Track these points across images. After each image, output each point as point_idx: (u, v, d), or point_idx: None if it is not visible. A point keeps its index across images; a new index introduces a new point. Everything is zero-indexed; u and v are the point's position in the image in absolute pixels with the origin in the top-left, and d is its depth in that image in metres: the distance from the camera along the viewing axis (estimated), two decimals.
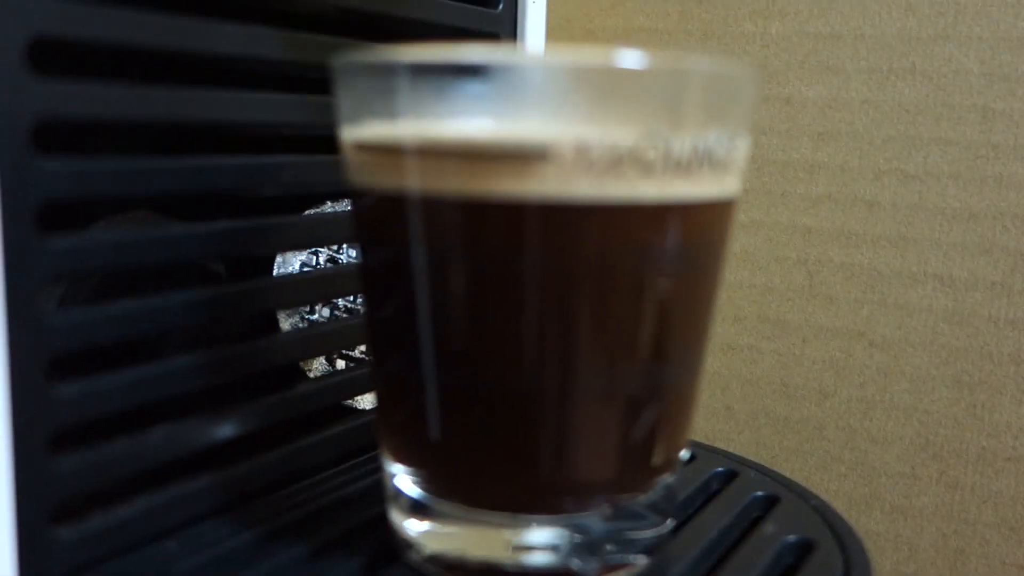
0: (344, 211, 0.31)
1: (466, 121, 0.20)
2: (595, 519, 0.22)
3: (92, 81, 0.21)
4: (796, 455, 0.44)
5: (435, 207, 0.20)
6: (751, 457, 0.31)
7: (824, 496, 0.28)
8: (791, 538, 0.25)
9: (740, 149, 0.21)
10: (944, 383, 0.41)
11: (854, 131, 0.42)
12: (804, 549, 0.25)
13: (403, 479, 0.23)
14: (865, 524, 0.43)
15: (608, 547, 0.22)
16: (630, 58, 0.19)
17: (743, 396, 0.45)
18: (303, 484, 0.28)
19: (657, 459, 0.22)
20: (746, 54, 0.43)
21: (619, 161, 0.19)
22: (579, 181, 0.19)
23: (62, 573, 0.21)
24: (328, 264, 0.32)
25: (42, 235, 0.20)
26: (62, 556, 0.21)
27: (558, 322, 0.20)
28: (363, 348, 0.33)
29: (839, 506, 0.28)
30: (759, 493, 0.28)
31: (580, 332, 0.20)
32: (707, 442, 0.32)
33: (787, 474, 0.30)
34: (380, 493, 0.27)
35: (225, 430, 0.26)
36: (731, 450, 0.32)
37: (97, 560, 0.22)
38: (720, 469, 0.30)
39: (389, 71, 0.20)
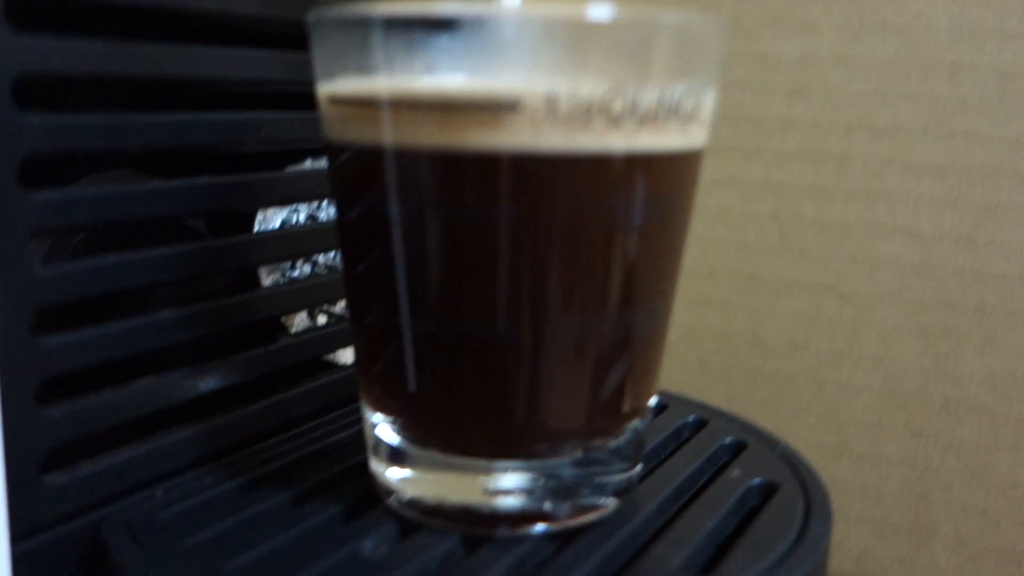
0: (321, 169, 0.32)
1: (439, 74, 0.20)
2: (567, 464, 0.23)
3: (72, 36, 0.21)
4: (768, 406, 0.45)
5: (409, 160, 0.21)
6: (724, 408, 0.32)
7: (795, 445, 0.29)
8: (756, 481, 0.26)
9: (708, 101, 0.22)
10: (911, 335, 0.42)
11: (826, 87, 0.42)
12: (768, 492, 0.25)
13: (383, 428, 0.24)
14: (834, 472, 0.44)
15: (579, 490, 0.23)
16: (598, 11, 0.19)
17: (716, 349, 0.46)
18: (285, 435, 0.28)
19: (626, 405, 0.23)
20: (720, 9, 0.44)
21: (587, 113, 0.19)
22: (549, 132, 0.19)
23: (51, 520, 0.22)
24: (308, 222, 0.32)
25: (25, 189, 0.21)
26: (51, 503, 0.22)
27: (529, 272, 0.21)
28: (343, 304, 0.34)
29: (809, 455, 0.28)
30: (727, 440, 0.29)
31: (551, 282, 0.21)
32: (679, 392, 0.33)
33: (758, 424, 0.31)
34: (360, 443, 0.27)
35: (208, 383, 0.26)
36: (704, 401, 0.33)
37: (85, 508, 0.23)
38: (691, 418, 0.31)
39: (363, 26, 0.20)
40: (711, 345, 0.46)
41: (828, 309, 0.44)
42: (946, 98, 0.40)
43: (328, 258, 0.33)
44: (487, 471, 0.22)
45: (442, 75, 0.20)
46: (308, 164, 0.32)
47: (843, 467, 0.44)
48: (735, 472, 0.26)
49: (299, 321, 0.32)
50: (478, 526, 0.22)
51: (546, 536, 0.22)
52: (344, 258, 0.24)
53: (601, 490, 0.23)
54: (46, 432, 0.22)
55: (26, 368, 0.21)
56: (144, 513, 0.23)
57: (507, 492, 0.22)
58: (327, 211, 0.33)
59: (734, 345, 0.46)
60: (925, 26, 0.40)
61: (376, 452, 0.24)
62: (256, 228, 0.31)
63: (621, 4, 0.20)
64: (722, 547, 0.23)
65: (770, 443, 0.29)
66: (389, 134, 0.21)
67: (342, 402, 0.31)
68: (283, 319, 0.32)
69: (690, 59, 0.21)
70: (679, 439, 0.30)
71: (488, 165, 0.20)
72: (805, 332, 0.44)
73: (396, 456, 0.23)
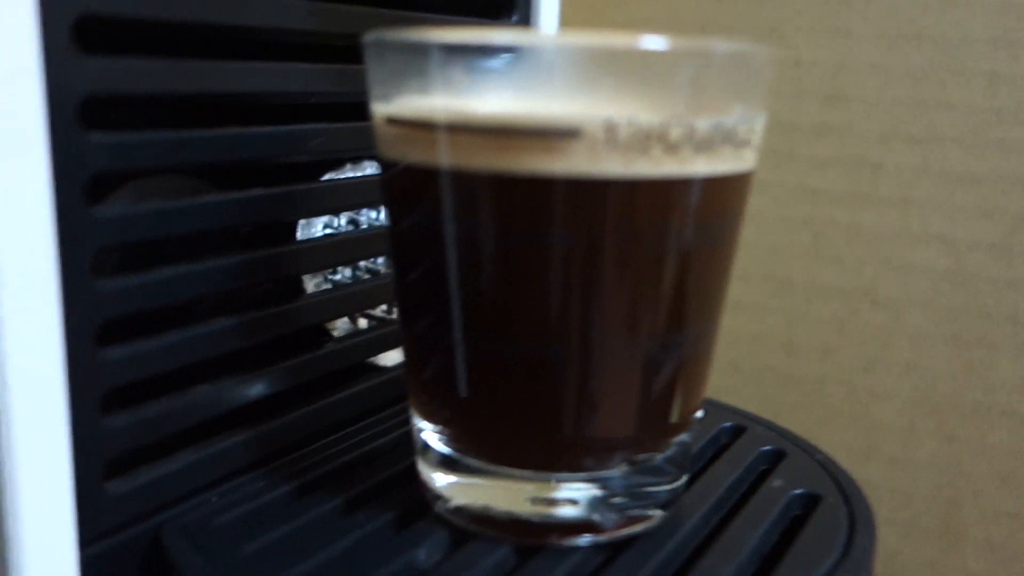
0: (365, 176, 0.32)
1: (496, 99, 0.21)
2: (615, 475, 0.23)
3: (133, 56, 0.22)
4: (799, 409, 0.46)
5: (466, 182, 0.21)
6: (755, 411, 0.33)
7: (825, 449, 0.29)
8: (798, 491, 0.26)
9: (758, 126, 0.22)
10: (943, 341, 0.42)
11: (861, 94, 0.42)
12: (811, 502, 0.26)
13: (431, 435, 0.24)
14: (864, 475, 0.44)
15: (627, 502, 0.23)
16: (654, 41, 0.20)
17: (749, 352, 0.47)
18: (332, 439, 0.29)
19: (674, 419, 0.23)
20: (759, 16, 0.44)
21: (645, 140, 0.20)
22: (607, 159, 0.20)
23: (115, 525, 0.23)
24: (349, 225, 0.33)
25: (91, 206, 0.21)
26: (114, 509, 0.23)
27: (583, 292, 0.21)
28: (384, 308, 0.34)
29: (839, 458, 0.29)
30: (766, 447, 0.29)
31: (604, 302, 0.21)
32: (713, 396, 0.34)
33: (790, 428, 0.31)
34: (405, 445, 0.28)
35: (258, 389, 0.27)
36: (736, 404, 0.33)
37: (145, 513, 0.23)
38: (728, 424, 0.31)
39: (423, 50, 0.21)
40: (744, 348, 0.47)
41: (861, 314, 0.44)
42: (982, 107, 0.40)
43: (369, 262, 0.33)
44: (535, 480, 0.23)
45: (499, 100, 0.21)
46: (348, 170, 0.33)
47: (873, 470, 0.44)
48: (776, 482, 0.27)
49: (341, 324, 0.33)
50: (526, 536, 0.23)
51: (593, 547, 0.23)
52: (396, 269, 0.24)
53: (648, 500, 0.24)
54: (110, 441, 0.22)
55: (91, 379, 0.22)
56: (201, 519, 0.24)
57: (555, 503, 0.23)
58: (367, 215, 0.33)
59: (766, 348, 0.46)
60: (962, 35, 0.40)
61: (424, 457, 0.25)
62: (299, 233, 0.32)
63: (673, 31, 0.20)
64: (767, 559, 0.23)
65: (808, 451, 0.29)
66: (446, 156, 0.21)
67: (386, 404, 0.32)
68: (326, 323, 0.32)
69: (743, 86, 0.21)
70: (717, 445, 0.30)
71: (544, 189, 0.20)
72: (837, 337, 0.44)
73: (444, 463, 0.24)
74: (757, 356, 0.46)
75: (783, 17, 0.44)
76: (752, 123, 0.22)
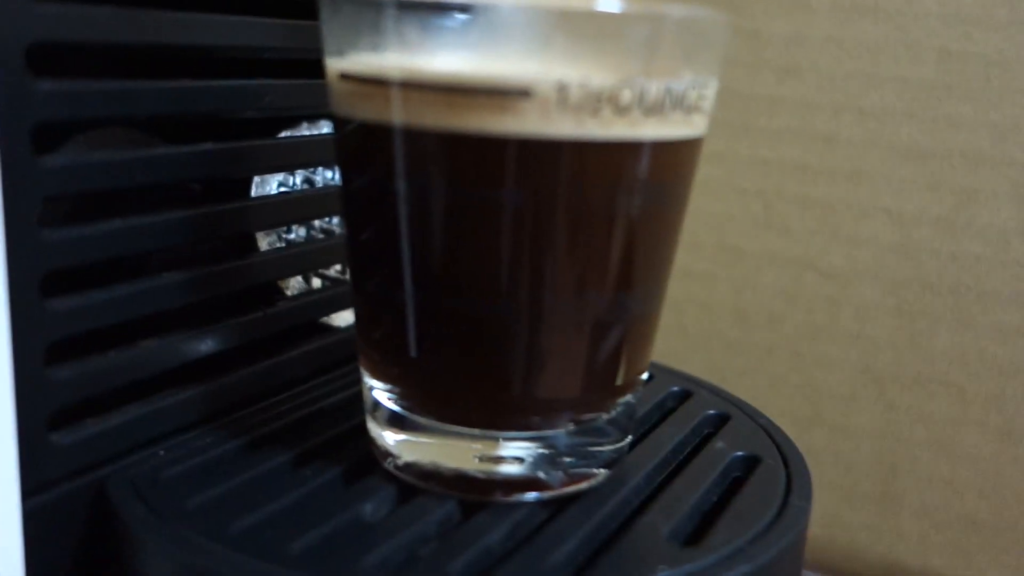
0: (320, 135, 0.32)
1: (450, 57, 0.21)
2: (560, 434, 0.23)
3: (82, 4, 0.22)
4: (746, 376, 0.46)
5: (417, 139, 0.21)
6: (703, 377, 0.33)
7: (771, 415, 0.30)
8: (739, 453, 0.27)
9: (710, 93, 0.23)
10: (887, 312, 0.43)
11: (816, 67, 0.43)
12: (751, 464, 0.27)
13: (380, 393, 0.24)
14: (807, 441, 0.45)
15: (571, 460, 0.24)
16: (608, 3, 0.20)
17: (698, 319, 0.47)
18: (282, 396, 0.29)
19: (620, 380, 0.24)
20: None
21: (596, 102, 0.20)
22: (558, 120, 0.20)
23: (59, 476, 0.23)
24: (304, 185, 0.33)
25: (37, 156, 0.21)
26: (59, 461, 0.22)
27: (532, 252, 0.21)
28: (337, 268, 0.34)
29: (784, 424, 0.30)
30: (711, 412, 0.30)
31: (552, 262, 0.21)
32: (662, 361, 0.34)
33: (737, 394, 0.32)
34: (356, 405, 0.28)
35: (209, 345, 0.27)
36: (684, 370, 0.34)
37: (91, 466, 0.23)
38: (675, 388, 0.32)
39: (377, 6, 0.21)
40: (693, 315, 0.47)
41: (808, 284, 0.45)
42: (932, 83, 0.41)
43: (323, 222, 0.33)
44: (482, 439, 0.23)
45: (453, 58, 0.21)
46: (304, 129, 0.32)
47: (817, 437, 0.45)
48: (719, 444, 0.27)
49: (294, 283, 0.33)
50: (473, 492, 0.23)
51: (538, 504, 0.23)
52: (348, 228, 0.24)
53: (592, 460, 0.24)
54: (54, 392, 0.22)
55: (35, 330, 0.21)
56: (147, 472, 0.24)
57: (502, 460, 0.23)
58: (323, 175, 0.33)
59: (715, 315, 0.47)
60: (916, 11, 0.41)
61: (374, 416, 0.25)
62: (253, 191, 0.32)
63: None
64: (707, 517, 0.24)
65: (752, 415, 0.30)
66: (399, 113, 0.21)
67: (338, 363, 0.32)
68: (279, 282, 0.32)
69: (696, 52, 0.22)
70: (663, 409, 0.31)
71: (496, 148, 0.20)
72: (785, 306, 0.45)
73: (393, 421, 0.24)
74: (706, 323, 0.47)
75: None
76: (703, 89, 0.22)
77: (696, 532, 0.23)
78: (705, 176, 0.45)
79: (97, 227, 0.23)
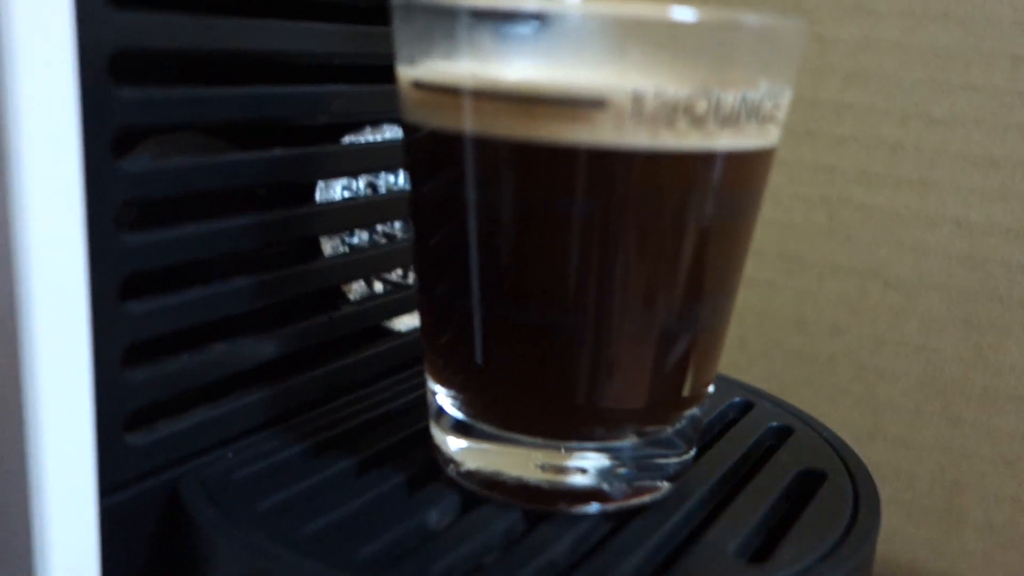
0: (384, 140, 0.32)
1: (523, 66, 0.21)
2: (625, 446, 0.23)
3: (162, 12, 0.22)
4: (806, 387, 0.46)
5: (488, 149, 0.21)
6: (763, 388, 0.33)
7: (831, 427, 0.30)
8: (805, 468, 0.27)
9: (783, 101, 0.22)
10: (953, 324, 0.42)
11: (883, 73, 0.42)
12: (817, 479, 0.26)
13: (445, 400, 0.24)
14: (868, 454, 0.44)
15: (636, 472, 0.24)
16: (683, 12, 0.20)
17: (758, 329, 0.47)
18: (346, 400, 0.29)
19: (686, 392, 0.24)
20: None
21: (672, 112, 0.20)
22: (633, 130, 0.20)
23: (134, 476, 0.23)
24: (368, 189, 0.33)
25: (117, 161, 0.21)
26: (134, 461, 0.23)
27: (601, 263, 0.21)
28: (400, 272, 0.34)
29: (845, 436, 0.29)
30: (773, 424, 0.30)
31: (622, 273, 0.21)
32: (722, 372, 0.34)
33: (797, 405, 0.31)
34: (418, 409, 0.28)
35: (275, 348, 0.27)
36: (744, 380, 0.33)
37: (164, 466, 0.24)
38: (737, 399, 0.32)
39: (451, 14, 0.21)
40: (753, 324, 0.47)
41: (872, 295, 0.44)
42: (1004, 91, 0.40)
43: (385, 226, 0.34)
44: (546, 448, 0.23)
45: (526, 67, 0.21)
46: (368, 133, 0.33)
47: (878, 450, 0.45)
48: (783, 458, 0.27)
49: (356, 288, 0.33)
50: (536, 502, 0.23)
51: (602, 516, 0.23)
52: (416, 234, 0.25)
53: (657, 473, 0.24)
54: (131, 394, 0.23)
55: (115, 332, 0.22)
56: (218, 474, 0.24)
57: (565, 470, 0.23)
58: (385, 179, 0.33)
59: (776, 325, 0.46)
60: (988, 17, 0.40)
61: (438, 421, 0.25)
62: (317, 196, 0.32)
63: (704, 4, 0.20)
64: (773, 534, 0.23)
65: (815, 428, 0.30)
66: (470, 122, 0.21)
67: (400, 368, 0.32)
68: (343, 286, 0.32)
69: (771, 61, 0.21)
70: (725, 420, 0.30)
71: (568, 158, 0.20)
72: (847, 316, 0.45)
73: (457, 427, 0.24)
74: (766, 333, 0.47)
75: None
76: (778, 98, 0.22)
77: (762, 549, 0.23)
78: (768, 184, 0.45)
79: (174, 231, 0.23)
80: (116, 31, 0.21)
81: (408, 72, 0.23)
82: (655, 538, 0.22)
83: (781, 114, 0.22)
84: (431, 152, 0.23)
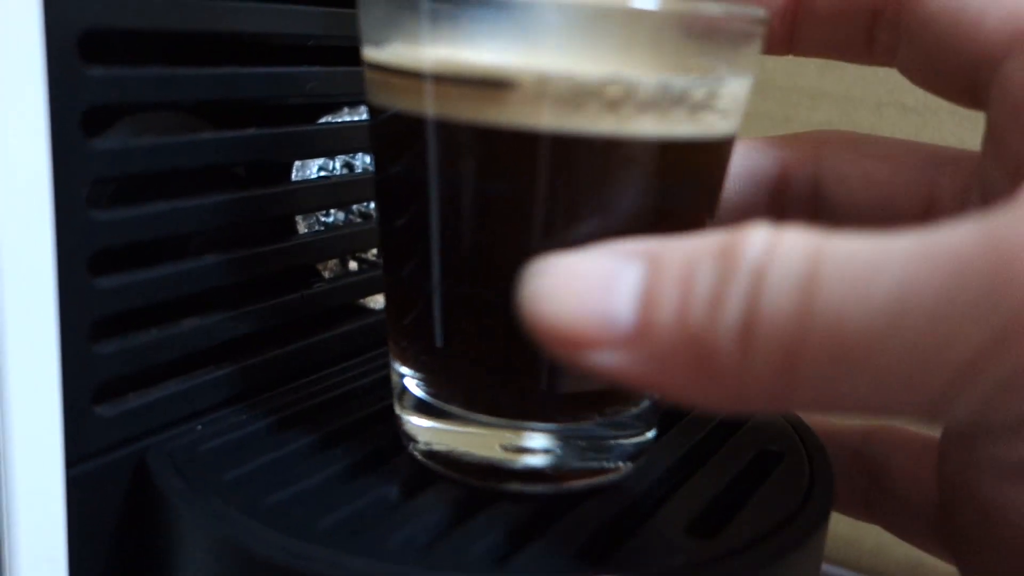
0: (361, 120, 0.32)
1: (468, 50, 0.21)
2: (584, 426, 0.24)
3: None
4: None
5: (443, 131, 0.21)
6: None
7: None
8: (762, 449, 0.27)
9: (729, 91, 0.22)
10: None
11: None
12: (774, 459, 0.27)
13: (408, 380, 0.25)
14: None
15: (595, 453, 0.24)
16: None
17: None
18: (316, 377, 0.30)
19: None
20: None
21: (581, 97, 0.20)
22: (539, 112, 0.20)
23: (101, 447, 0.24)
24: (344, 169, 0.33)
25: (87, 140, 0.22)
26: (102, 432, 0.23)
27: (543, 244, 0.22)
28: (375, 252, 0.35)
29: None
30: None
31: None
32: None
33: None
34: (386, 387, 0.29)
35: (247, 325, 0.28)
36: None
37: (131, 438, 0.24)
38: None
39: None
40: None
41: None
42: None
43: (361, 206, 0.34)
44: (507, 428, 0.24)
45: (469, 51, 0.21)
46: (345, 114, 0.33)
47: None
48: (743, 439, 0.28)
49: (332, 265, 0.34)
50: (495, 480, 0.24)
51: (559, 494, 0.24)
52: (380, 214, 0.25)
53: (617, 453, 0.25)
54: (98, 366, 0.23)
55: (83, 307, 0.22)
56: (185, 446, 0.25)
57: (525, 451, 0.24)
58: (362, 160, 0.34)
59: None
60: None
61: (401, 400, 0.26)
62: (293, 175, 0.32)
63: None
64: (727, 512, 0.24)
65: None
66: (415, 103, 0.21)
67: (372, 346, 0.32)
68: (317, 264, 0.33)
69: (698, 49, 0.22)
70: None
71: (492, 139, 0.21)
72: None
73: (420, 407, 0.25)
74: None
75: None
76: (715, 87, 0.22)
77: (715, 526, 0.23)
78: None
79: (144, 209, 0.24)
80: (84, 9, 0.21)
81: (371, 54, 0.23)
82: (608, 516, 0.23)
83: (725, 104, 0.22)
84: (392, 134, 0.23)
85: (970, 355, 0.15)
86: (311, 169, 0.33)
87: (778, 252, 0.17)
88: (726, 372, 0.17)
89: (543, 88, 0.20)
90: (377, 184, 0.25)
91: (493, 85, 0.20)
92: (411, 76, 0.21)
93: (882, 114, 0.43)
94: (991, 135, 0.23)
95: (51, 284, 0.21)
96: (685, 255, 0.17)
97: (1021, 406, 0.16)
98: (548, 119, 0.20)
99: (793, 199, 0.27)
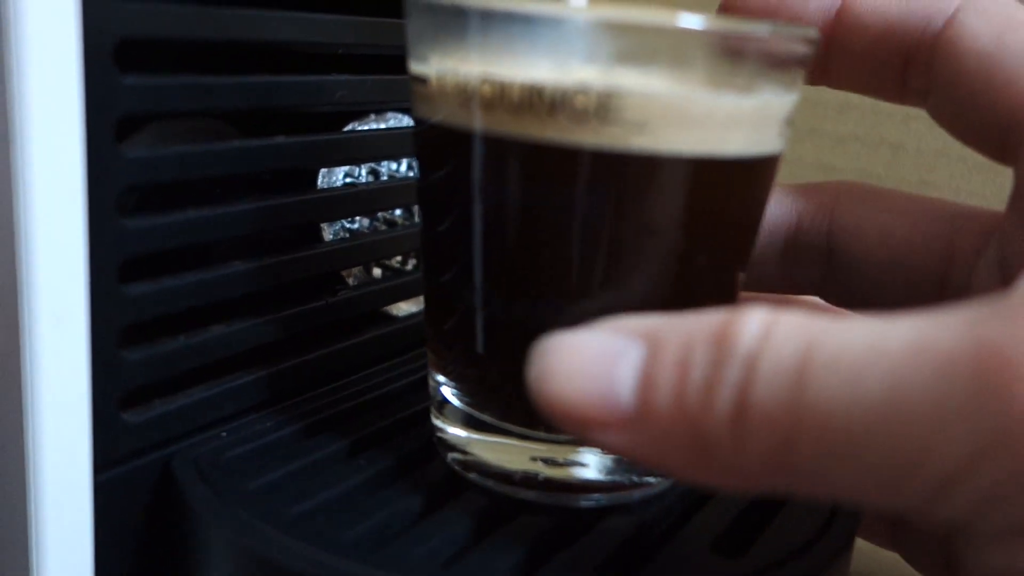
0: (388, 128, 0.33)
1: (532, 67, 0.21)
2: None
3: (168, 2, 0.22)
4: None
5: (489, 146, 0.22)
6: None
7: None
8: None
9: (776, 108, 0.22)
10: None
11: None
12: None
13: (446, 389, 0.25)
14: None
15: (625, 467, 0.24)
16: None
17: None
18: (342, 383, 0.30)
19: None
20: None
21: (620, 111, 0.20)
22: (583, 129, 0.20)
23: (128, 453, 0.24)
24: (369, 176, 0.33)
25: (119, 147, 0.22)
26: (129, 438, 0.24)
27: (594, 260, 0.22)
28: (399, 259, 0.35)
29: None
30: None
31: (615, 271, 0.22)
32: None
33: None
34: (413, 394, 0.29)
35: (273, 332, 0.28)
36: None
37: (158, 444, 0.24)
38: None
39: (462, 12, 0.21)
40: None
41: None
42: None
43: (386, 213, 0.34)
44: (544, 441, 0.24)
45: (534, 68, 0.21)
46: (372, 121, 0.33)
47: None
48: None
49: (356, 272, 0.34)
50: (524, 492, 0.24)
51: (598, 507, 0.24)
52: (423, 223, 0.25)
53: (646, 468, 0.24)
54: (127, 373, 0.23)
55: (112, 314, 0.23)
56: (210, 452, 0.25)
57: (564, 464, 0.24)
58: (387, 167, 0.34)
59: None
60: None
61: (439, 410, 0.25)
62: (319, 182, 0.32)
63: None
64: (753, 530, 0.24)
65: None
66: (476, 120, 0.21)
67: (397, 352, 0.32)
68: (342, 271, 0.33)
69: (752, 68, 0.21)
70: None
71: (569, 158, 0.21)
72: None
73: (458, 416, 0.25)
74: None
75: None
76: (764, 104, 0.22)
77: (741, 544, 0.23)
78: None
79: (175, 216, 0.24)
80: (121, 19, 0.21)
81: (417, 68, 0.23)
82: (633, 532, 0.23)
83: (771, 122, 0.22)
84: (428, 144, 0.23)
85: (953, 465, 0.16)
86: (337, 176, 0.33)
87: (771, 341, 0.17)
88: (722, 455, 0.17)
89: (586, 104, 0.20)
90: (420, 193, 0.25)
91: (537, 102, 0.20)
92: (456, 90, 0.21)
93: (909, 127, 0.42)
94: (1017, 194, 0.23)
95: (83, 290, 0.21)
96: (683, 338, 0.18)
97: (1001, 518, 0.16)
98: (591, 135, 0.20)
99: (807, 250, 0.27)
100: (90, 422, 0.22)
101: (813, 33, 0.22)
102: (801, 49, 0.22)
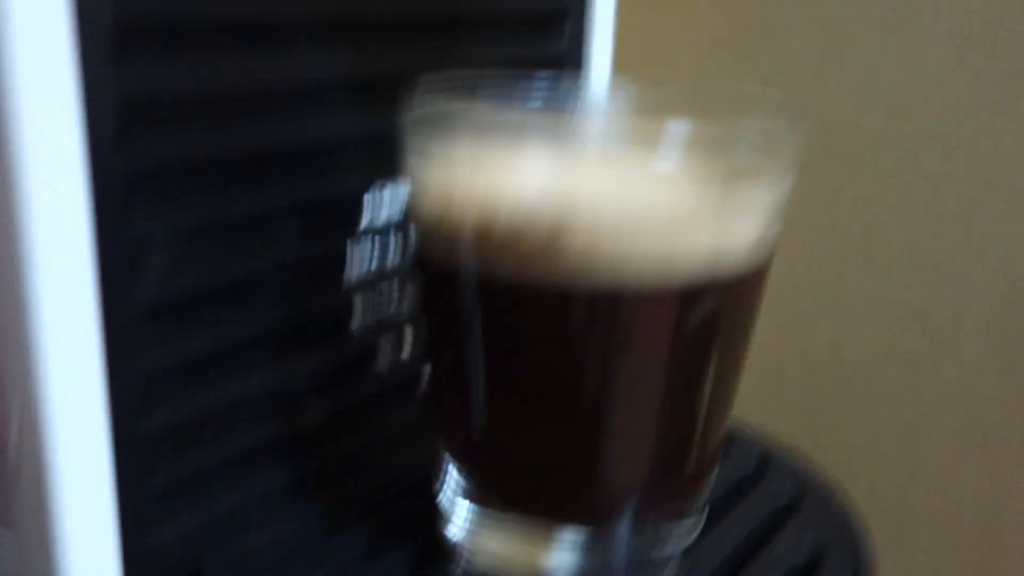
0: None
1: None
2: (622, 534, 0.24)
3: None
4: (842, 428, 0.45)
5: (480, 286, 0.22)
6: (798, 427, 0.31)
7: (867, 473, 0.28)
8: (809, 544, 0.27)
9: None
10: (995, 369, 0.41)
11: (929, 103, 0.41)
12: (819, 555, 0.27)
13: (452, 477, 0.26)
14: (905, 501, 0.44)
15: (640, 554, 0.24)
16: None
17: (795, 366, 0.46)
18: (364, 472, 0.31)
19: (692, 503, 0.25)
20: (822, 16, 0.42)
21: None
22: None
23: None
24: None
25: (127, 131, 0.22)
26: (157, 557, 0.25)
27: (592, 389, 0.22)
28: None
29: (881, 482, 0.28)
30: (784, 494, 0.30)
31: (607, 403, 0.22)
32: (757, 409, 0.33)
33: (832, 448, 0.30)
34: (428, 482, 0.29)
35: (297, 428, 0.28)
36: (778, 420, 0.32)
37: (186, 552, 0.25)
38: (749, 471, 0.32)
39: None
40: (791, 360, 0.46)
41: (911, 336, 0.43)
42: None
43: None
44: (550, 533, 0.24)
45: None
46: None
47: (915, 497, 0.44)
48: (790, 532, 0.28)
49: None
50: None
51: None
52: (429, 331, 0.26)
53: (655, 562, 0.25)
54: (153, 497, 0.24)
55: (133, 447, 0.24)
56: (238, 555, 0.26)
57: (567, 552, 0.24)
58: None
59: (813, 363, 0.46)
60: None
61: (445, 505, 0.26)
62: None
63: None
64: None
65: (828, 495, 0.30)
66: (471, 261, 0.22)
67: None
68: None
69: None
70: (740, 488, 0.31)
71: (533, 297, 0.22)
72: (886, 357, 0.44)
73: (464, 512, 0.25)
74: (803, 371, 0.46)
75: (847, 16, 0.42)
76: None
77: None
78: (804, 215, 0.44)
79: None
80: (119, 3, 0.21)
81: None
82: None
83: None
84: (431, 280, 0.24)
85: None
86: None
87: None
88: None
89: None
90: (426, 303, 0.25)
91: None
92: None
93: (952, 160, 0.41)
94: None
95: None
96: None
97: None
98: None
99: None
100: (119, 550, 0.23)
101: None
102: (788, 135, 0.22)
